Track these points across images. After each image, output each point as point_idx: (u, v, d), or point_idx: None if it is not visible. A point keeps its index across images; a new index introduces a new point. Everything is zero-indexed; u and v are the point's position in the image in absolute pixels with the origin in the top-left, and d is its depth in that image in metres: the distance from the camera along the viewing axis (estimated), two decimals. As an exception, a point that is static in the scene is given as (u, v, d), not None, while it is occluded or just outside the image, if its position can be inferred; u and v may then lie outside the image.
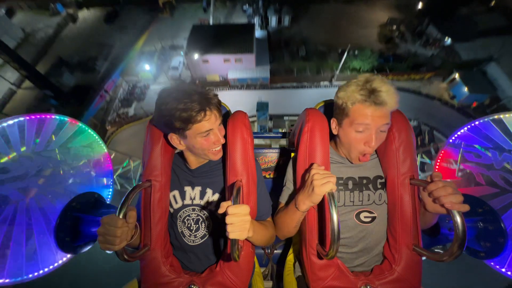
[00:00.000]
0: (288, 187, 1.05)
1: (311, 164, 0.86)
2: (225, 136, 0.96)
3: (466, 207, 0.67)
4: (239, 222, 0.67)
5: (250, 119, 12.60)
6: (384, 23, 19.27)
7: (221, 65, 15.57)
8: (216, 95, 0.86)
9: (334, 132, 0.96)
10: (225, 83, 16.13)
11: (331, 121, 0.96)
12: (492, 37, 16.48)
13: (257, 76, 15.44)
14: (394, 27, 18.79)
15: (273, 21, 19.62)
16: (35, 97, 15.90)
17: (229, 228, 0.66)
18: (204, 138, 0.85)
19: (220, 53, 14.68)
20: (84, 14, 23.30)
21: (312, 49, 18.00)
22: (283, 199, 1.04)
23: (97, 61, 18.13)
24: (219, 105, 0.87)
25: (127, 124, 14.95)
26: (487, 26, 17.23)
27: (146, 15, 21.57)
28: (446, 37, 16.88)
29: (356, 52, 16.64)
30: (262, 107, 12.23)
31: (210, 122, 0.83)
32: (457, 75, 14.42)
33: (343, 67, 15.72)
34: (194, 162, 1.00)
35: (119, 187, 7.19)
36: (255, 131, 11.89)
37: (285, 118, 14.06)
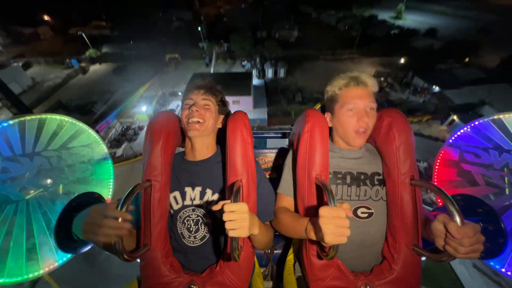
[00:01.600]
0: (286, 179, 1.06)
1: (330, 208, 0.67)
2: (225, 136, 0.96)
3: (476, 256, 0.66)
4: (238, 219, 0.67)
5: None
6: (372, 75, 20.10)
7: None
8: (217, 91, 1.07)
9: (330, 124, 1.01)
10: None
11: (325, 115, 1.04)
12: (477, 85, 17.05)
13: (255, 117, 16.04)
14: (382, 78, 20.28)
15: (269, 73, 21.80)
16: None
17: (228, 226, 0.66)
18: (184, 108, 1.00)
19: (219, 94, 15.82)
20: (96, 68, 25.00)
21: (308, 95, 19.33)
22: (282, 189, 1.06)
23: (96, 104, 18.29)
24: (214, 92, 1.05)
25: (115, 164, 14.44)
26: (467, 78, 18.05)
27: (152, 68, 23.24)
28: (434, 85, 17.66)
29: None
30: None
31: (192, 93, 1.02)
32: (455, 117, 14.64)
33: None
34: (190, 153, 1.05)
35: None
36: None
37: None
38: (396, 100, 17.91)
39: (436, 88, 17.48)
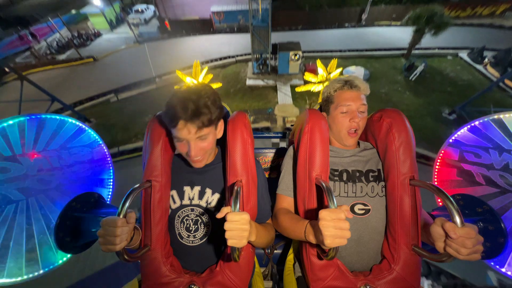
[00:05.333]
0: (286, 179, 1.07)
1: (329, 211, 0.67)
2: (225, 136, 0.96)
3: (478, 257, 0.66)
4: (238, 230, 0.67)
5: (243, 57, 11.64)
6: None
7: (202, -1, 11.33)
8: (209, 111, 0.80)
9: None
10: (206, 26, 12.94)
11: (322, 113, 1.07)
12: None
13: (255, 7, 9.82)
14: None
15: None
16: None
17: (227, 235, 0.66)
18: (178, 143, 0.86)
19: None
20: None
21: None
22: (281, 190, 1.06)
23: (42, 13, 13.76)
24: (206, 122, 0.81)
25: (44, 66, 11.46)
26: None
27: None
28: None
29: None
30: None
31: (181, 132, 0.80)
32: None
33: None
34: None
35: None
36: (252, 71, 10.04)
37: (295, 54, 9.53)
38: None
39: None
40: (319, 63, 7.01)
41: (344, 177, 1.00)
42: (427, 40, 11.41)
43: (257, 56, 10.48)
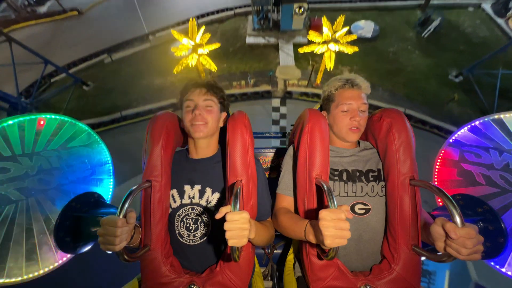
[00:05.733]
0: (286, 179, 1.07)
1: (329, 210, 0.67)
2: (225, 136, 0.96)
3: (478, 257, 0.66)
4: (238, 230, 0.67)
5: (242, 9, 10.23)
6: None
7: None
8: (217, 87, 1.05)
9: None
10: None
11: (323, 112, 1.10)
12: None
13: None
14: None
15: None
16: None
17: (228, 235, 0.66)
18: (186, 111, 0.99)
19: None
20: None
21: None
22: (281, 190, 1.06)
23: None
24: (215, 90, 1.03)
25: (26, 21, 10.57)
26: None
27: None
28: None
29: None
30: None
31: (192, 94, 1.00)
32: None
33: None
34: (193, 151, 1.06)
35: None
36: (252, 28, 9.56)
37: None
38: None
39: None
40: (324, 20, 6.25)
41: (344, 176, 1.01)
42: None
43: (258, 8, 9.04)
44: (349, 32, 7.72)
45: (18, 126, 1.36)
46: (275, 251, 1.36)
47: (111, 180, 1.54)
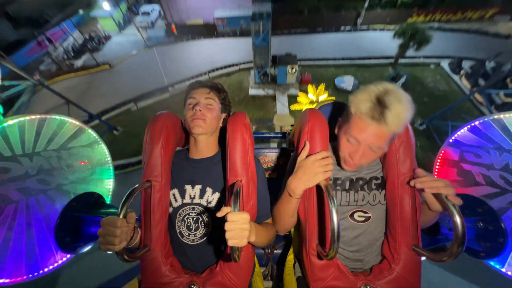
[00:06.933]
0: (286, 178, 1.05)
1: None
2: (225, 136, 0.96)
3: (459, 201, 0.71)
4: (238, 230, 0.67)
5: (246, 65, 12.39)
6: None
7: (205, 1, 12.80)
8: (218, 87, 1.08)
9: (336, 131, 0.95)
10: (210, 30, 13.77)
11: (339, 119, 0.94)
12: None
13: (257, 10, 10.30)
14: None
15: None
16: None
17: (228, 235, 0.66)
18: (188, 107, 1.01)
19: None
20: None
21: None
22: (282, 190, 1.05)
23: (50, 12, 14.46)
24: (217, 90, 1.06)
25: (67, 74, 12.44)
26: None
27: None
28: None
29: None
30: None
31: (195, 92, 1.02)
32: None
33: (373, 2, 12.80)
34: (194, 150, 1.06)
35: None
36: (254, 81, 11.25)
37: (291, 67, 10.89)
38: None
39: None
40: (309, 88, 8.28)
41: (347, 185, 0.98)
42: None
43: (259, 68, 11.48)
44: (333, 84, 11.24)
45: (18, 126, 1.36)
46: (275, 251, 1.36)
47: (111, 180, 1.55)
